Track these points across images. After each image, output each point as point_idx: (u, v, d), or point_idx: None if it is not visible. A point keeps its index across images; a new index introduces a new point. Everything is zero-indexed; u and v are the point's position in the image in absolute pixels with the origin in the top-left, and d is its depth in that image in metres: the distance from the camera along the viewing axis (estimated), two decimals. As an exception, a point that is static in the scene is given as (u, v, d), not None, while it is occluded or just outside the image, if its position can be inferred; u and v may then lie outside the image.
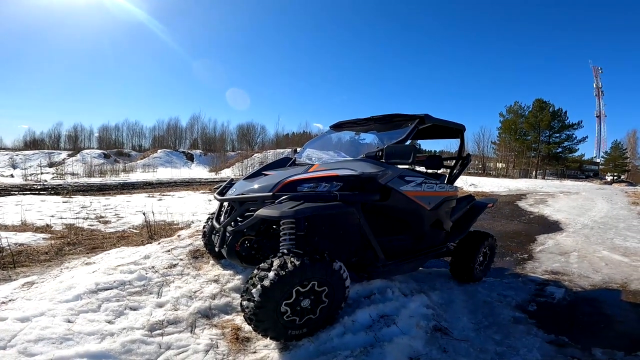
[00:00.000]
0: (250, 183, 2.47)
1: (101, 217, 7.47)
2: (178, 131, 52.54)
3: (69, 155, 36.22)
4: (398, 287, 2.77)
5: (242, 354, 1.98)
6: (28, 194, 12.08)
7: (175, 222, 6.47)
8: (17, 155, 34.91)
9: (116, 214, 7.87)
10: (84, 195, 12.14)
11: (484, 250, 3.37)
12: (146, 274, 2.69)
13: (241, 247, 2.30)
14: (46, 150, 39.33)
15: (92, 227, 6.37)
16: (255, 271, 1.94)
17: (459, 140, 3.39)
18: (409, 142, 2.69)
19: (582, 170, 42.84)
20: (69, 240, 4.98)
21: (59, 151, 39.90)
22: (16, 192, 12.37)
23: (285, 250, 2.01)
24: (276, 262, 1.89)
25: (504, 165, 41.77)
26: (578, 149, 40.27)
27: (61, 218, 7.00)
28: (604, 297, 3.19)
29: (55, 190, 13.53)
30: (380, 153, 2.43)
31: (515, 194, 13.91)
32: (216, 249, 2.41)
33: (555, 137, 39.29)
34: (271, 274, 1.83)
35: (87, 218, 7.25)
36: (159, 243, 3.72)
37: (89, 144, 49.37)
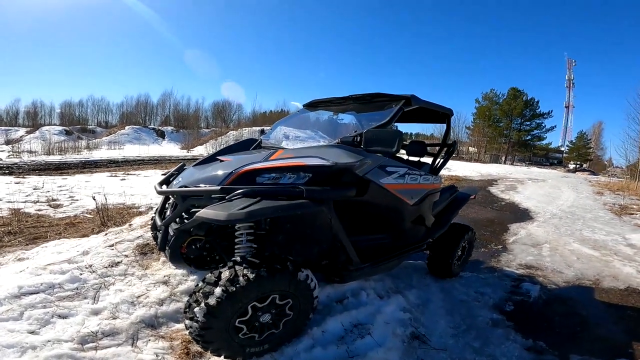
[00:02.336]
0: (200, 171, 2.06)
1: (53, 200, 6.80)
2: (149, 108, 49.71)
3: (27, 132, 33.66)
4: (373, 288, 2.56)
5: (189, 371, 1.70)
6: (-22, 173, 11.02)
7: (135, 205, 5.96)
8: (-31, 132, 32.01)
9: (71, 197, 7.21)
10: (40, 174, 11.19)
11: (463, 245, 3.21)
12: (81, 274, 2.31)
13: (188, 248, 1.95)
14: (2, 127, 36.31)
15: (40, 212, 5.76)
16: (201, 284, 1.61)
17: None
18: (392, 126, 2.38)
19: (548, 158, 44.76)
20: (10, 229, 4.43)
21: (16, 128, 37.04)
22: (-37, 171, 11.27)
23: (238, 258, 1.68)
24: (225, 275, 1.57)
25: (476, 149, 42.83)
26: (546, 137, 41.97)
27: (9, 202, 6.31)
28: (578, 295, 3.13)
29: (9, 170, 12.44)
30: (359, 138, 2.04)
31: (487, 179, 14.17)
32: (158, 250, 2.03)
33: (526, 125, 40.52)
34: (218, 291, 1.53)
35: (37, 202, 6.59)
36: (105, 234, 3.30)
37: (50, 121, 45.87)
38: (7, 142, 28.21)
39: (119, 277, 2.38)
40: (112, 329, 1.88)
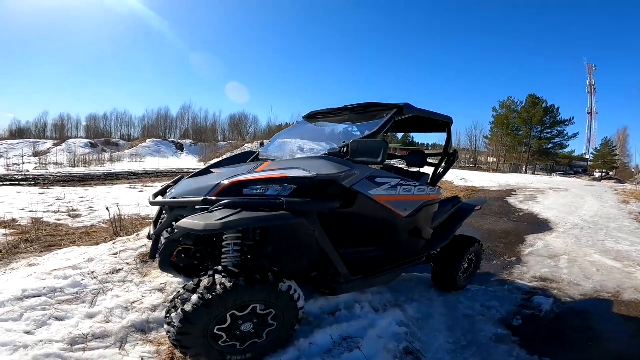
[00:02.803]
0: (192, 183, 2.10)
1: (73, 210, 7.08)
2: (168, 121, 51.51)
3: (55, 145, 35.33)
4: (369, 302, 2.48)
5: (171, 376, 1.72)
6: (7, 184, 11.63)
7: (150, 216, 6.10)
8: (1, 144, 33.89)
9: (90, 207, 7.50)
10: (63, 186, 11.69)
11: (469, 257, 3.09)
12: (82, 280, 2.40)
13: (178, 257, 1.96)
14: (31, 140, 38.29)
15: (59, 222, 5.99)
16: (181, 290, 1.64)
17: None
18: (385, 136, 2.35)
19: (572, 167, 43.09)
20: (28, 237, 4.62)
21: (44, 140, 38.92)
22: (-6, 183, 11.89)
23: (219, 267, 1.69)
24: (203, 283, 1.60)
25: (495, 159, 41.80)
26: (569, 145, 40.48)
27: (31, 212, 6.61)
28: (595, 308, 2.95)
29: (35, 181, 13.05)
30: (346, 149, 2.03)
31: (505, 189, 13.75)
32: (149, 259, 2.06)
33: (547, 132, 39.28)
34: (194, 298, 1.55)
35: (58, 212, 6.86)
36: (113, 243, 3.38)
37: (77, 134, 48.08)
38: (35, 154, 29.60)
39: (118, 283, 2.44)
40: (102, 332, 1.94)
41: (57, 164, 22.58)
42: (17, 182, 12.54)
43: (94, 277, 2.44)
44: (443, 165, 3.00)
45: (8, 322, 1.92)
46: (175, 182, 2.37)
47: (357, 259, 2.22)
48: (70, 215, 6.58)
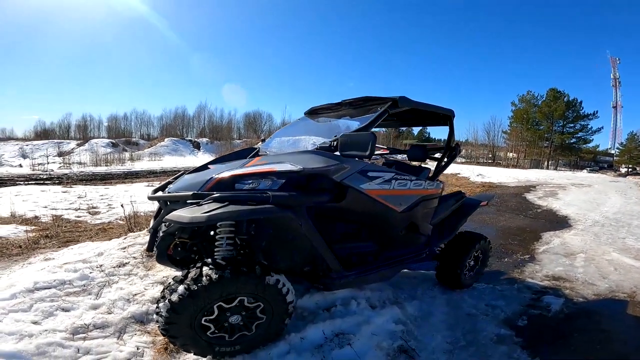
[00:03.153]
0: (189, 179, 2.14)
1: (93, 207, 7.34)
2: (186, 120, 52.59)
3: (78, 145, 36.59)
4: (367, 298, 2.47)
5: (164, 365, 1.78)
6: (32, 183, 12.16)
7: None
8: (27, 145, 35.41)
9: (109, 205, 7.74)
10: (85, 184, 12.11)
11: (475, 254, 3.02)
12: (90, 272, 2.54)
13: (174, 250, 2.01)
14: (56, 140, 39.85)
15: (78, 219, 6.22)
16: (170, 281, 1.70)
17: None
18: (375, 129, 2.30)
19: (596, 162, 41.43)
20: (47, 233, 4.83)
21: (68, 141, 40.42)
22: (21, 182, 12.47)
23: (209, 260, 1.73)
24: (190, 274, 1.65)
25: (515, 155, 40.63)
26: (592, 139, 39.11)
27: (53, 209, 6.90)
28: (608, 309, 2.83)
29: (59, 180, 13.59)
30: (335, 143, 2.03)
31: (524, 185, 13.33)
32: (146, 251, 2.13)
33: (569, 127, 38.14)
34: (181, 288, 1.60)
35: (78, 209, 7.13)
36: (124, 238, 3.49)
37: (99, 134, 49.69)
38: (60, 154, 30.76)
39: (123, 276, 2.55)
40: (103, 322, 2.04)
41: (80, 163, 23.42)
42: (42, 181, 13.07)
43: (102, 270, 2.57)
44: (445, 159, 2.92)
45: (18, 313, 2.03)
46: (176, 178, 2.43)
47: (351, 255, 2.21)
48: (89, 213, 6.82)
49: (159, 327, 1.68)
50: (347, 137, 1.95)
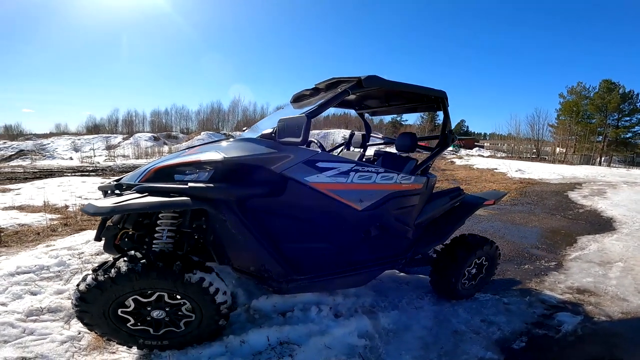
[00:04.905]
0: (139, 168, 2.08)
1: (120, 198, 7.72)
2: (221, 114, 54.48)
3: (124, 139, 39.12)
4: (335, 305, 2.24)
5: (98, 351, 1.83)
6: (78, 175, 13.09)
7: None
8: (78, 139, 38.41)
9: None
10: (124, 175, 12.84)
11: (478, 262, 2.68)
12: (69, 259, 2.66)
13: (121, 241, 1.96)
14: (104, 135, 42.87)
15: (102, 209, 6.56)
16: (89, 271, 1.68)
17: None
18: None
19: (657, 158, 37.43)
20: (68, 221, 5.09)
21: (115, 135, 43.34)
22: (69, 174, 13.46)
23: (133, 252, 1.66)
24: (104, 265, 1.62)
25: (563, 150, 37.60)
26: (652, 134, 35.37)
27: (86, 199, 7.32)
28: (632, 331, 2.39)
29: (103, 172, 14.56)
30: (276, 129, 1.83)
31: (569, 182, 12.18)
32: (94, 240, 2.09)
33: (625, 120, 34.92)
34: (89, 278, 1.58)
35: (105, 199, 7.53)
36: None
37: (143, 128, 52.90)
38: (108, 148, 33.05)
39: (97, 263, 2.56)
40: (57, 307, 2.11)
41: (123, 156, 24.99)
42: (87, 173, 14.05)
43: (80, 258, 2.70)
44: (438, 148, 2.53)
45: (-8, 294, 2.13)
46: None
47: (304, 257, 1.99)
48: (115, 203, 7.15)
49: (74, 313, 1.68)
50: (284, 122, 1.75)
